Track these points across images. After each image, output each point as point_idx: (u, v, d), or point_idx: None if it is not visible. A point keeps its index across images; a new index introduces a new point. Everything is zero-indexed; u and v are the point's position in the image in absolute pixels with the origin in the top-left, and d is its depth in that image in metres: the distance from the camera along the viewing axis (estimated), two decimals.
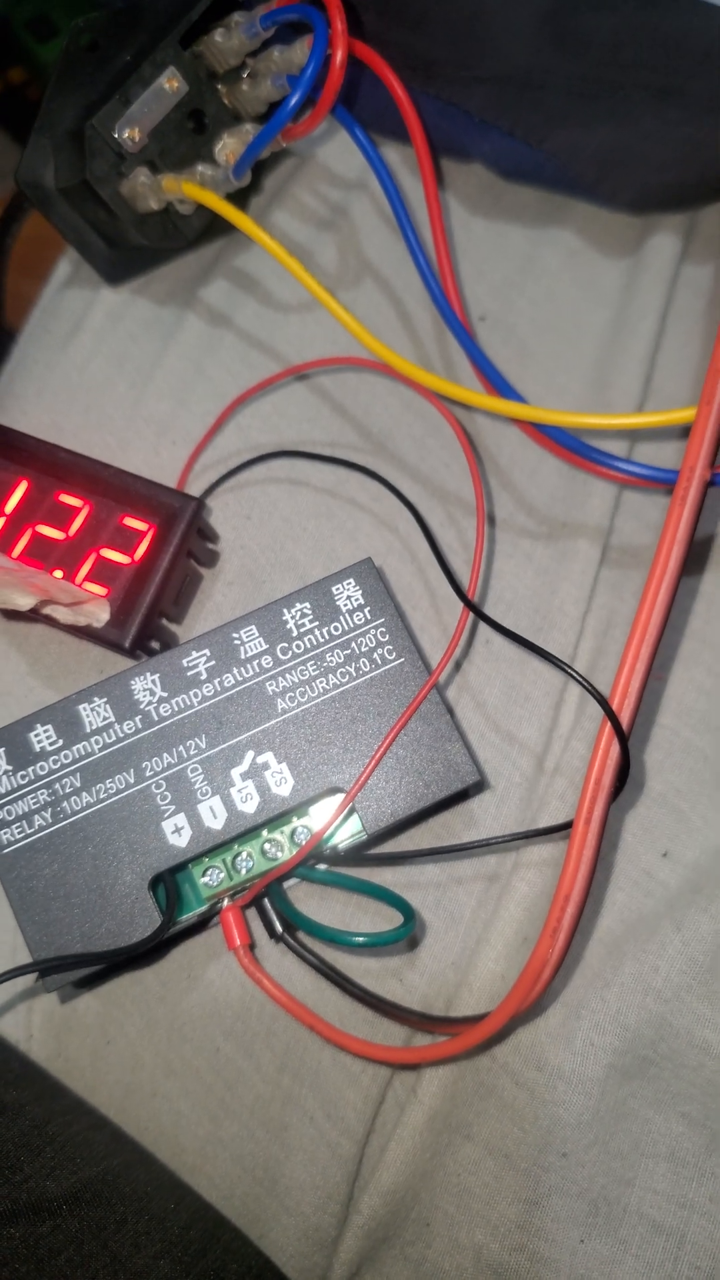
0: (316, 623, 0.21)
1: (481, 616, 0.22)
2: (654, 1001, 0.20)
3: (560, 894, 0.18)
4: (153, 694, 0.21)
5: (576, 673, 0.20)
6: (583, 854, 0.18)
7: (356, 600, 0.21)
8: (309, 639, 0.21)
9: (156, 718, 0.21)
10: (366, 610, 0.21)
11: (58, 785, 0.20)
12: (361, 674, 0.21)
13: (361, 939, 0.19)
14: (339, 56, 0.23)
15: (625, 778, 0.19)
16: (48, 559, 0.23)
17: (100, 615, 0.22)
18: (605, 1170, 0.19)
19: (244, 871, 0.21)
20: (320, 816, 0.21)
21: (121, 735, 0.21)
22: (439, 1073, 0.20)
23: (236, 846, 0.21)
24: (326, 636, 0.21)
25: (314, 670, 0.21)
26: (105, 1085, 0.21)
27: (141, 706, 0.21)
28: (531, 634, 0.23)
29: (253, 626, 0.21)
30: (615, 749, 0.19)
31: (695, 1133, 0.19)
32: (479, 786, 0.22)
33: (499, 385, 0.25)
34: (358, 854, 0.21)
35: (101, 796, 0.20)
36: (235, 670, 0.21)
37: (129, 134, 0.24)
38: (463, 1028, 0.19)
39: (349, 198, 0.28)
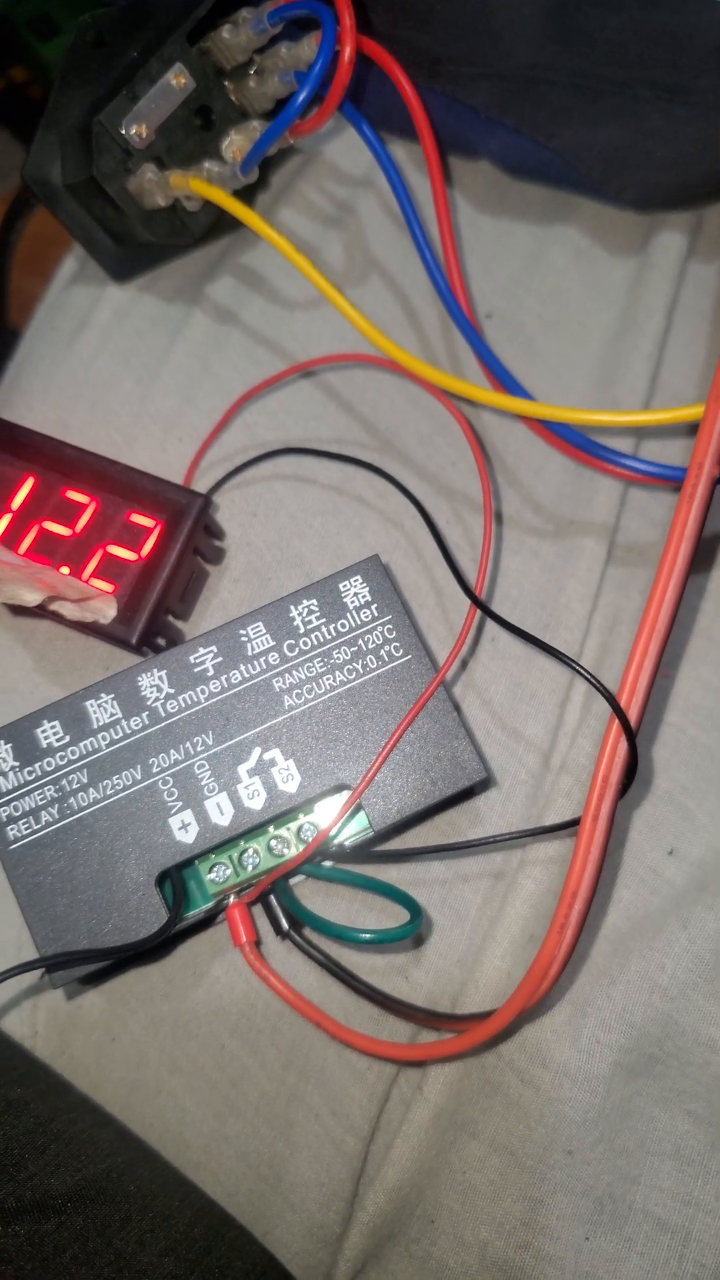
0: (323, 620, 0.21)
1: (490, 614, 0.22)
2: (660, 999, 0.20)
3: (568, 890, 0.18)
4: (160, 690, 0.21)
5: (585, 670, 0.20)
6: (590, 851, 0.18)
7: (363, 597, 0.21)
8: (316, 636, 0.21)
9: (163, 714, 0.21)
10: (373, 607, 0.21)
11: (65, 781, 0.20)
12: (368, 671, 0.21)
13: (368, 935, 0.19)
14: (347, 53, 0.23)
15: (633, 775, 0.19)
16: (54, 555, 0.23)
17: (107, 612, 0.22)
18: (610, 1168, 0.19)
19: (250, 868, 0.21)
20: (327, 813, 0.21)
21: (128, 731, 0.21)
22: (444, 1070, 0.20)
23: (243, 843, 0.21)
24: (333, 633, 0.21)
25: (321, 667, 0.21)
26: (110, 1082, 0.21)
27: (148, 703, 0.21)
28: (537, 631, 0.23)
29: (260, 623, 0.21)
30: (623, 746, 0.18)
31: (701, 1130, 0.19)
32: (485, 784, 0.22)
33: (506, 382, 0.25)
34: (364, 851, 0.21)
35: (108, 793, 0.20)
36: (242, 667, 0.21)
37: (136, 130, 0.24)
38: (469, 1025, 0.19)
39: (356, 194, 0.28)
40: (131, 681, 0.21)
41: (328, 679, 0.21)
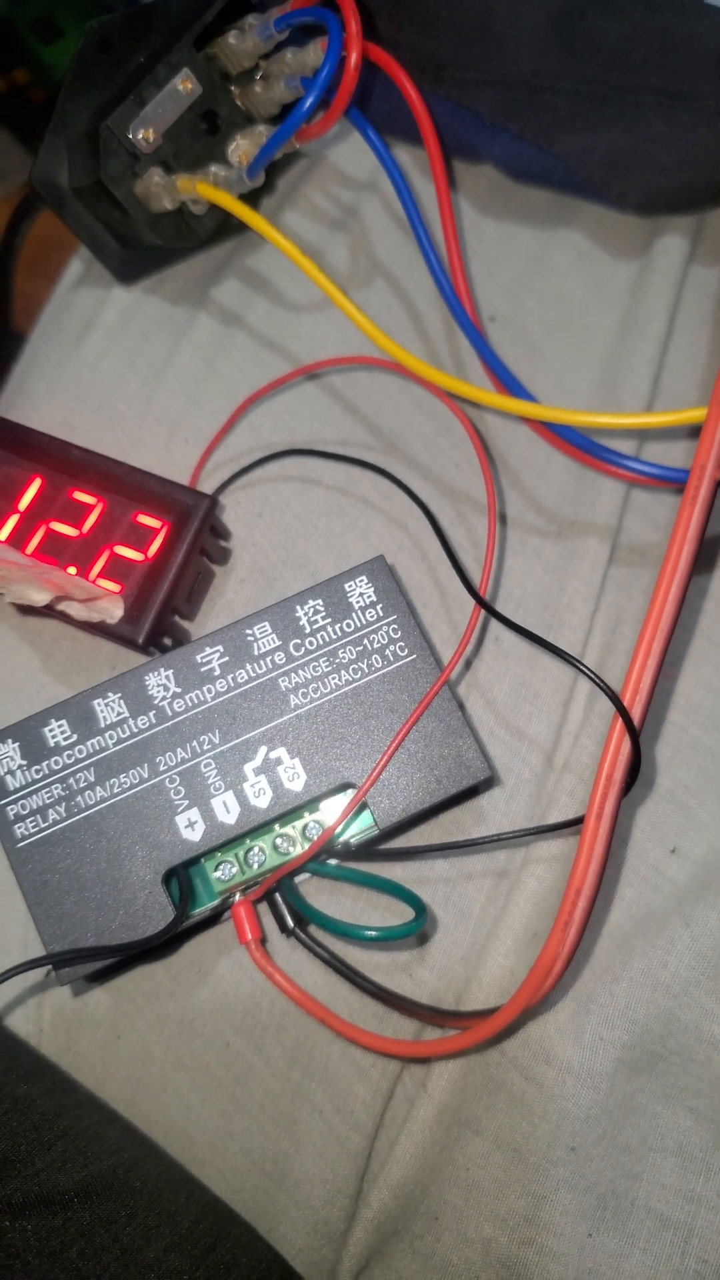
0: (329, 619, 0.21)
1: (494, 614, 0.22)
2: (662, 996, 0.20)
3: (571, 888, 0.18)
4: (167, 689, 0.21)
5: (588, 669, 0.20)
6: (594, 848, 0.18)
7: (369, 597, 0.21)
8: (321, 635, 0.21)
9: (170, 713, 0.21)
10: (379, 607, 0.21)
11: (72, 780, 0.20)
12: (373, 670, 0.21)
13: (373, 933, 0.20)
14: (354, 59, 0.23)
15: (636, 773, 0.19)
16: (62, 556, 0.23)
17: (114, 612, 0.22)
18: (613, 1164, 0.19)
19: (256, 866, 0.21)
20: (332, 812, 0.21)
21: (135, 730, 0.21)
22: (448, 1067, 0.21)
23: (249, 841, 0.21)
24: (339, 633, 0.21)
25: (326, 666, 0.21)
26: (115, 1080, 0.21)
27: (155, 702, 0.21)
28: (540, 631, 0.23)
29: (266, 623, 0.21)
30: (626, 744, 0.19)
31: (703, 1127, 0.19)
32: (489, 782, 0.22)
33: (509, 384, 0.25)
34: (369, 849, 0.21)
35: (115, 791, 0.20)
36: (248, 666, 0.21)
37: (143, 135, 0.24)
38: (473, 1022, 0.19)
39: (360, 198, 0.29)
40: (139, 681, 0.21)
41: (333, 678, 0.21)
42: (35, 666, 0.24)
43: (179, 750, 0.21)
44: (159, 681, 0.21)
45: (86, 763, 0.21)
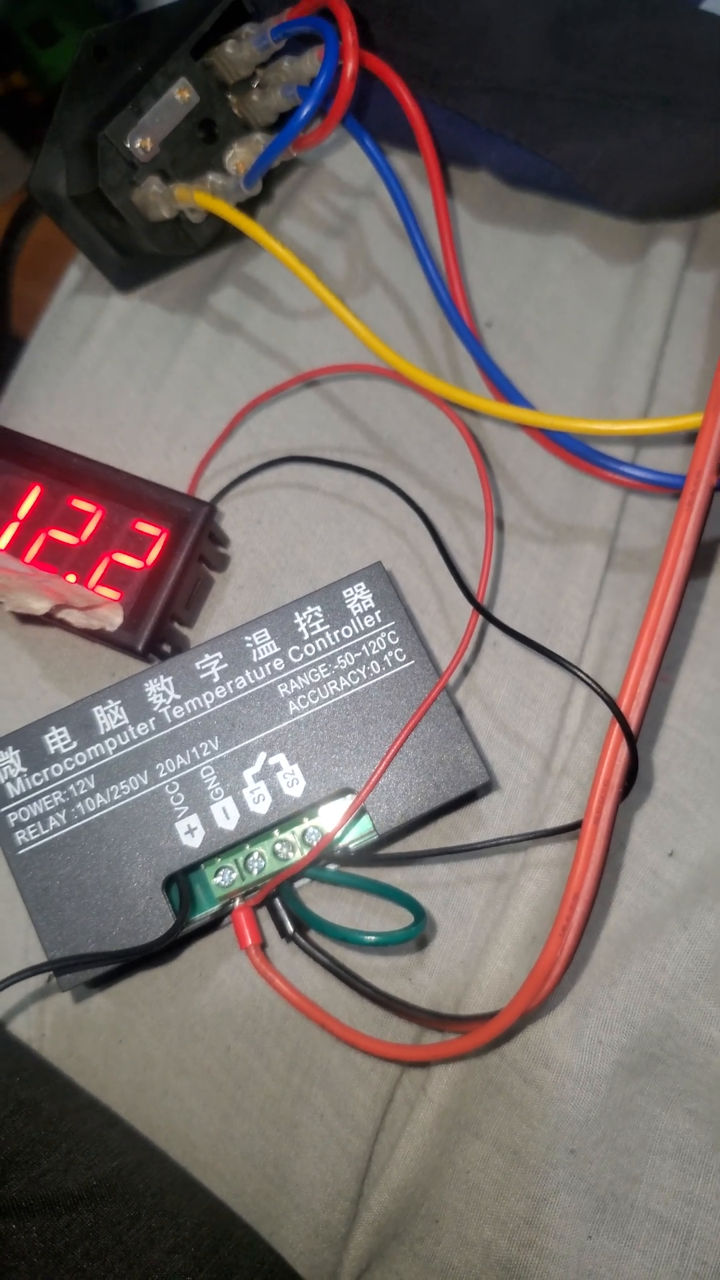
0: (327, 626, 0.21)
1: (492, 620, 0.22)
2: (661, 999, 0.20)
3: (569, 892, 0.18)
4: (166, 696, 0.21)
5: (586, 675, 0.20)
6: (592, 853, 0.18)
7: (367, 604, 0.22)
8: (320, 642, 0.21)
9: (170, 720, 0.21)
10: (377, 613, 0.22)
11: (72, 787, 0.21)
12: (372, 676, 0.21)
13: (372, 938, 0.20)
14: (350, 68, 0.23)
15: (633, 778, 0.19)
16: (61, 564, 0.23)
17: (113, 619, 0.22)
18: (613, 1167, 0.19)
19: (256, 871, 0.21)
20: (331, 817, 0.21)
21: (135, 737, 0.21)
22: (448, 1070, 0.21)
23: (248, 847, 0.21)
24: (337, 639, 0.21)
25: (325, 673, 0.21)
26: (117, 1084, 0.21)
27: (155, 709, 0.21)
28: (538, 636, 0.23)
29: (264, 630, 0.21)
30: (623, 750, 0.19)
31: (702, 1129, 0.19)
32: (487, 787, 0.23)
33: (506, 390, 0.25)
34: (368, 854, 0.21)
35: (116, 798, 0.21)
36: (247, 673, 0.21)
37: (141, 144, 0.24)
38: (472, 1026, 0.19)
39: (357, 205, 0.29)
40: (138, 688, 0.21)
41: (332, 684, 0.21)
42: (35, 673, 0.24)
43: (178, 757, 0.21)
44: (158, 688, 0.21)
45: (86, 770, 0.21)
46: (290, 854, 0.21)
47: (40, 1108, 0.20)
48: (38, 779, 0.21)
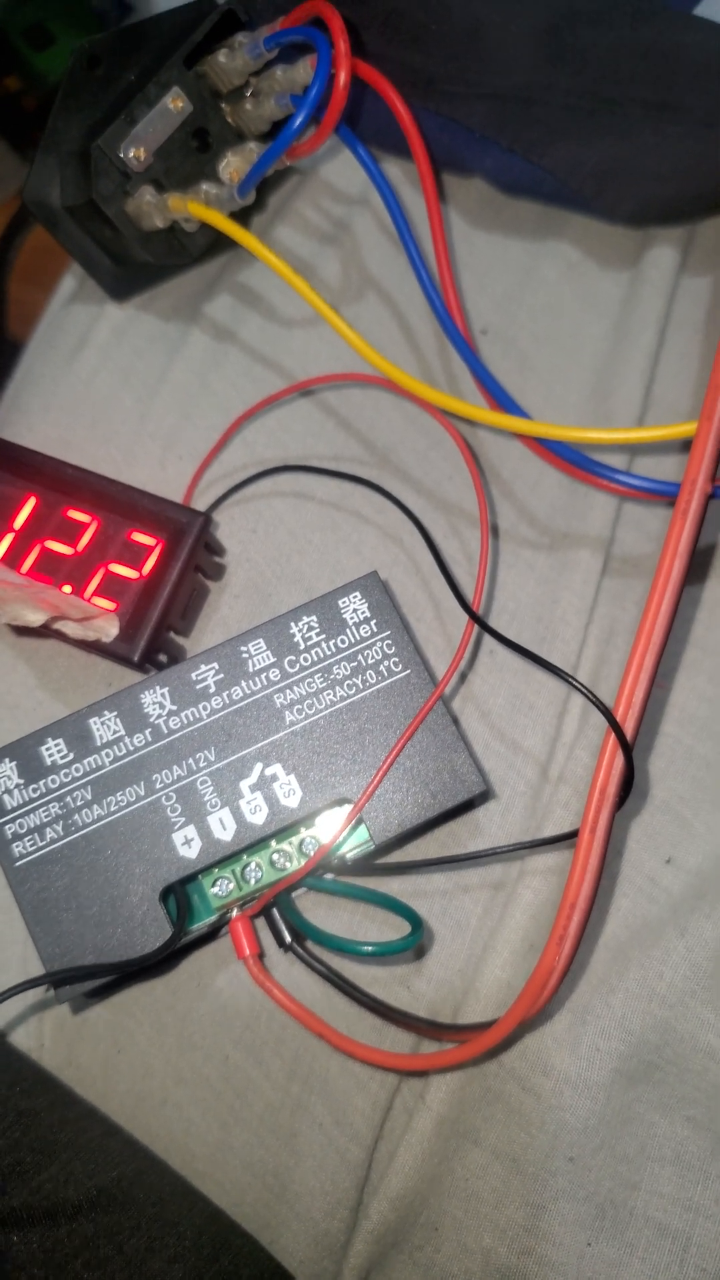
0: (323, 636, 0.21)
1: (488, 630, 0.22)
2: (659, 1007, 0.20)
3: (566, 902, 0.18)
4: (162, 707, 0.21)
5: (582, 685, 0.20)
6: (588, 863, 0.18)
7: (363, 613, 0.22)
8: (316, 652, 0.21)
9: (166, 731, 0.21)
10: (373, 623, 0.22)
11: (69, 798, 0.21)
12: (368, 686, 0.21)
13: (370, 948, 0.20)
14: (343, 77, 0.23)
15: (630, 787, 0.19)
16: (56, 574, 0.23)
17: (109, 630, 0.22)
18: (611, 1174, 0.20)
19: (253, 882, 0.21)
20: (328, 827, 0.21)
21: (132, 748, 0.21)
22: (446, 1079, 0.21)
23: (246, 857, 0.21)
24: (333, 649, 0.21)
25: (321, 683, 0.21)
26: (116, 1093, 0.21)
27: (151, 720, 0.21)
28: (534, 644, 0.23)
29: (260, 640, 0.21)
30: (620, 759, 0.19)
31: (700, 1136, 0.20)
32: (484, 796, 0.23)
33: (501, 399, 0.25)
34: (365, 864, 0.21)
35: (112, 809, 0.21)
36: (244, 683, 0.21)
37: (134, 153, 0.24)
38: (470, 1035, 0.19)
39: (351, 213, 0.29)
40: (134, 699, 0.21)
41: (328, 694, 0.21)
42: (31, 684, 0.24)
43: (175, 768, 0.21)
44: (154, 699, 0.21)
45: (83, 781, 0.21)
46: (287, 864, 0.21)
47: (39, 1118, 0.20)
48: (34, 790, 0.21)
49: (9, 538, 0.24)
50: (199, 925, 0.21)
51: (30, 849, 0.20)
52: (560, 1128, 0.20)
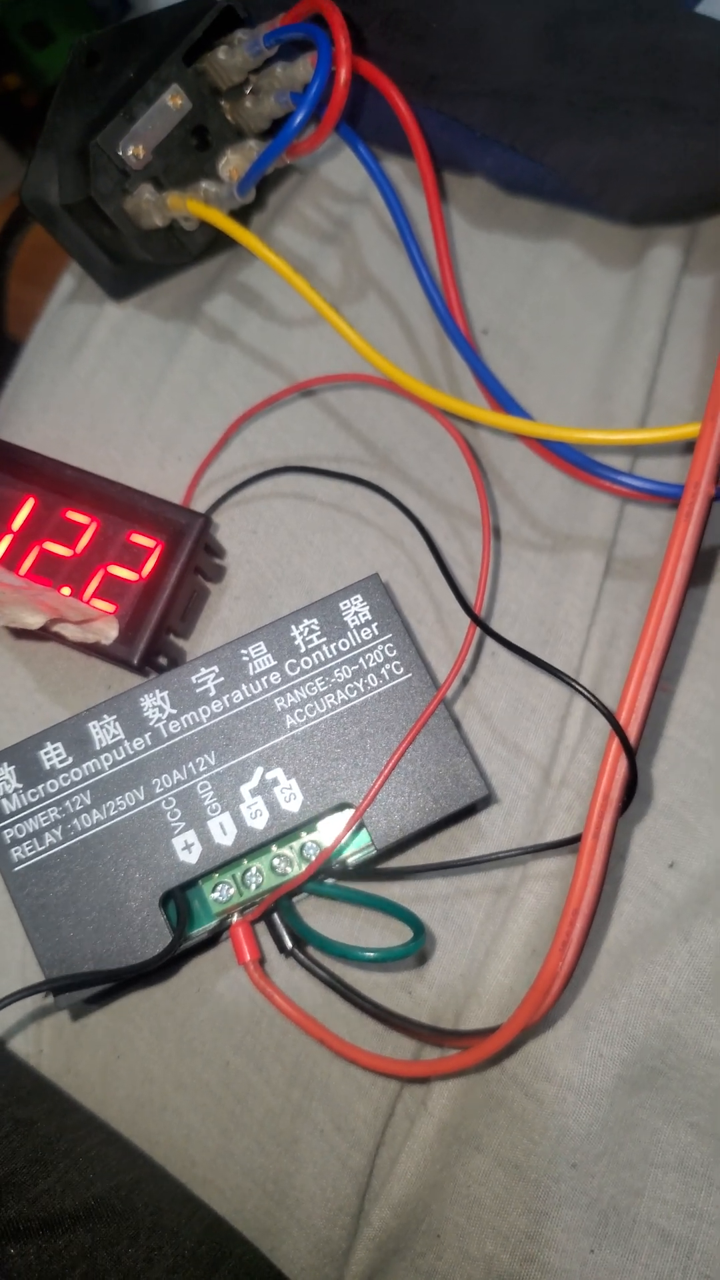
0: (324, 639, 0.21)
1: (490, 633, 0.22)
2: (662, 1012, 0.20)
3: (569, 908, 0.18)
4: (162, 711, 0.21)
5: (586, 689, 0.20)
6: (591, 868, 0.18)
7: (364, 616, 0.21)
8: (317, 655, 0.21)
9: (166, 735, 0.21)
10: (374, 626, 0.21)
11: (68, 803, 0.20)
12: (369, 689, 0.21)
13: (371, 954, 0.20)
14: (343, 75, 0.23)
15: (633, 792, 0.19)
16: (55, 576, 0.23)
17: (109, 632, 0.22)
18: (614, 1180, 0.19)
19: (254, 887, 0.21)
20: (329, 832, 0.21)
21: (131, 752, 0.21)
22: (448, 1085, 0.21)
23: (246, 862, 0.21)
24: (334, 652, 0.21)
25: (322, 686, 0.21)
26: (115, 1100, 0.21)
27: (151, 723, 0.21)
28: (536, 646, 0.23)
29: (261, 643, 0.21)
30: (623, 764, 0.19)
31: (704, 1142, 0.19)
32: (486, 800, 0.22)
33: (502, 399, 0.25)
34: (366, 868, 0.21)
35: (112, 814, 0.20)
36: (244, 687, 0.21)
37: (133, 151, 0.24)
38: (473, 1041, 0.19)
39: (352, 212, 0.29)
40: (134, 702, 0.21)
41: (329, 698, 0.21)
42: (30, 687, 0.24)
43: (175, 772, 0.21)
44: (154, 703, 0.21)
45: (82, 785, 0.21)
46: (288, 869, 0.21)
47: (37, 1127, 0.20)
48: (33, 795, 0.20)
49: (7, 539, 0.24)
50: (199, 931, 0.21)
51: (29, 854, 0.20)
52: (563, 1134, 0.20)
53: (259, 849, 0.21)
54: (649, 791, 0.22)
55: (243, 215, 0.27)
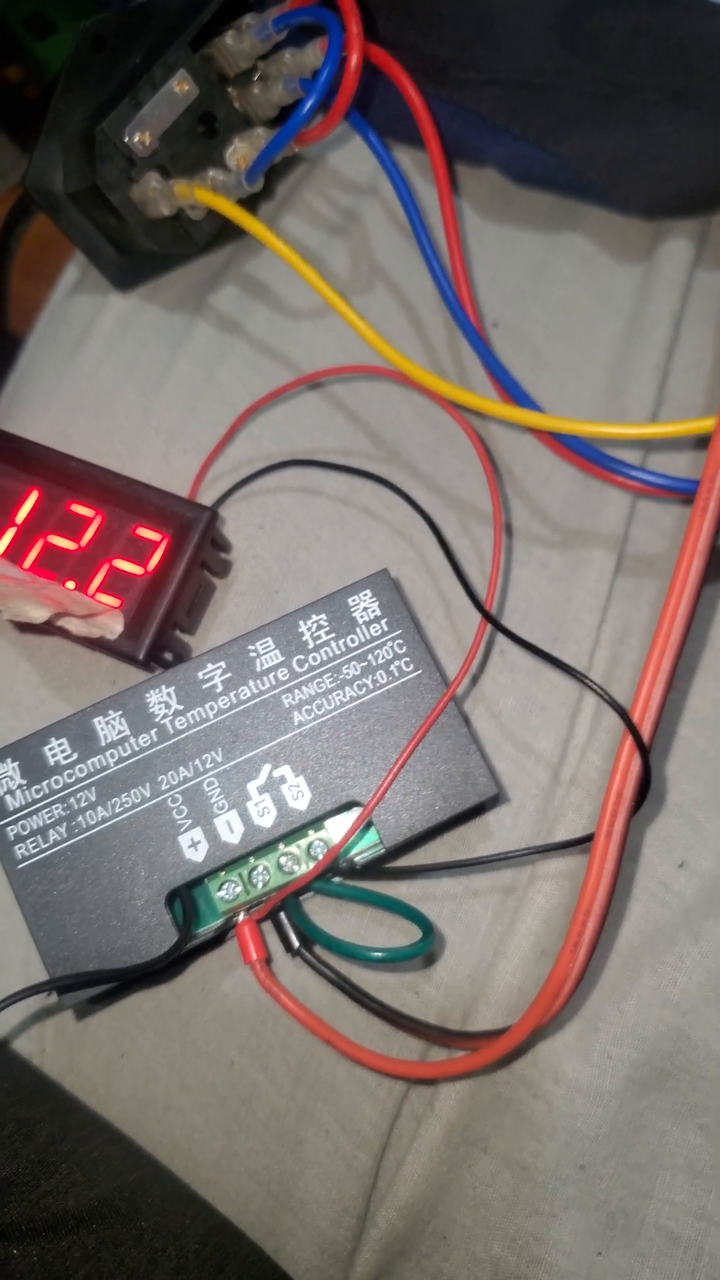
0: (333, 635, 0.21)
1: (504, 632, 0.22)
2: (672, 1014, 0.20)
3: (581, 909, 0.18)
4: (168, 707, 0.21)
5: (600, 688, 0.20)
6: (604, 868, 0.18)
7: (373, 612, 0.21)
8: (325, 651, 0.21)
9: (172, 731, 0.21)
10: (383, 622, 0.21)
11: (73, 799, 0.20)
12: (378, 686, 0.21)
13: (379, 954, 0.19)
14: (354, 61, 0.22)
15: (646, 791, 0.19)
16: (60, 570, 0.23)
17: (114, 627, 0.22)
18: (623, 1182, 0.19)
19: (260, 885, 0.20)
20: (337, 830, 0.21)
21: (137, 749, 0.20)
22: (456, 1086, 0.20)
23: (253, 860, 0.21)
24: (343, 648, 0.21)
25: (330, 683, 0.21)
26: (119, 1100, 0.21)
27: (157, 720, 0.21)
28: (546, 643, 0.23)
29: (269, 638, 0.21)
30: (636, 762, 0.18)
31: (713, 1144, 0.19)
32: (495, 799, 0.22)
33: (513, 392, 0.24)
34: (375, 867, 0.21)
35: (117, 811, 0.20)
36: (251, 683, 0.21)
37: (139, 138, 0.24)
38: (481, 1042, 0.19)
39: (361, 202, 0.28)
40: (140, 698, 0.21)
41: (337, 695, 0.21)
42: (34, 681, 0.24)
43: (181, 769, 0.20)
44: (160, 699, 0.21)
45: (87, 782, 0.20)
46: (295, 867, 0.21)
47: (39, 1127, 0.20)
48: (37, 791, 0.20)
49: (11, 532, 0.23)
50: (205, 929, 0.20)
51: (33, 851, 0.20)
52: (571, 1136, 0.19)
53: (266, 847, 0.20)
54: (659, 791, 0.22)
55: (250, 205, 0.27)
